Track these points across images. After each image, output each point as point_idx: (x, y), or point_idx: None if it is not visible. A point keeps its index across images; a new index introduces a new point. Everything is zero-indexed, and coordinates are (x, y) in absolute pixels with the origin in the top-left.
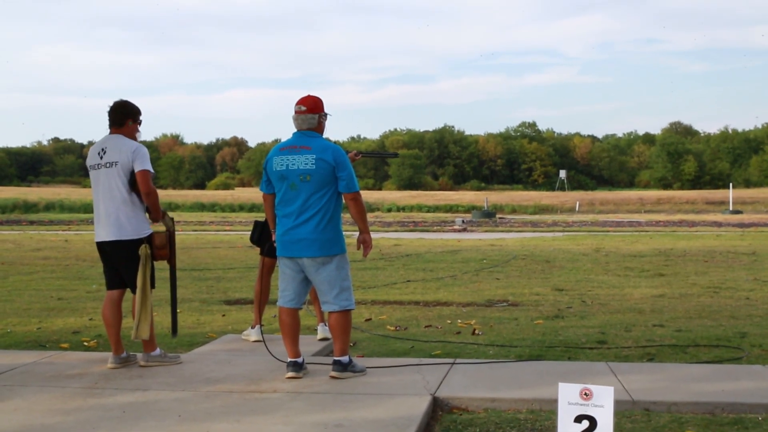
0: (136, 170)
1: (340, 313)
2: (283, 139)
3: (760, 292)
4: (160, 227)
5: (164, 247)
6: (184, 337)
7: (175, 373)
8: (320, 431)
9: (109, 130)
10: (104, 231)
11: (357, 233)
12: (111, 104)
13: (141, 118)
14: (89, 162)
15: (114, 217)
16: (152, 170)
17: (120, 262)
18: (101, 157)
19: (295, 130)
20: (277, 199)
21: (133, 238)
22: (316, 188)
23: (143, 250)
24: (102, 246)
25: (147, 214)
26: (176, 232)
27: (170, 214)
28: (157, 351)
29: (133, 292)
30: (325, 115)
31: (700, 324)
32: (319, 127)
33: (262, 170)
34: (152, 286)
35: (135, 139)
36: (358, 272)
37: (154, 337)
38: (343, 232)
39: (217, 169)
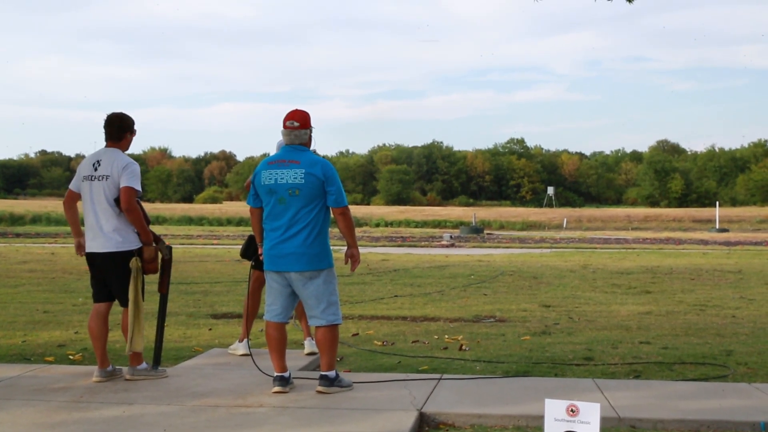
0: (121, 185)
1: (327, 327)
2: (272, 153)
3: (746, 310)
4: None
5: (153, 260)
6: (170, 350)
7: (161, 387)
8: None
9: (105, 143)
10: (95, 242)
11: (345, 248)
12: (108, 117)
13: (135, 128)
14: (83, 173)
15: (105, 229)
16: (139, 189)
17: (110, 274)
18: (95, 169)
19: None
20: (265, 213)
21: (124, 250)
22: (304, 203)
23: (134, 263)
24: (92, 257)
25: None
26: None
27: (159, 227)
28: (144, 365)
29: (122, 305)
30: (311, 128)
31: (686, 341)
32: (308, 142)
33: (250, 184)
34: (143, 299)
35: (127, 148)
36: (345, 287)
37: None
38: (331, 247)
39: (205, 183)
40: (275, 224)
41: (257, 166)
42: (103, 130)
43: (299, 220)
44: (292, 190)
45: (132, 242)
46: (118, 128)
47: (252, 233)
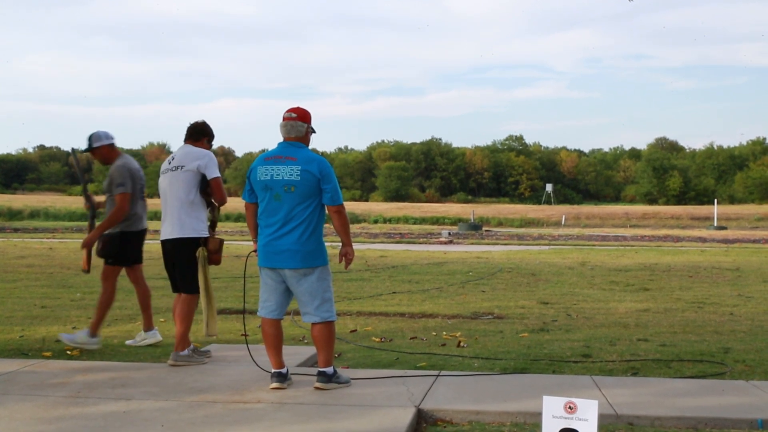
0: (209, 177)
1: (323, 324)
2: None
3: (744, 307)
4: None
5: (217, 252)
6: (169, 346)
7: (158, 382)
8: None
9: (183, 143)
10: (167, 230)
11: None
12: (193, 122)
13: (212, 144)
14: (161, 169)
15: (176, 216)
16: (220, 176)
17: (177, 259)
18: (170, 163)
19: (280, 139)
20: (260, 209)
21: (191, 236)
22: (300, 199)
23: (200, 252)
24: (164, 244)
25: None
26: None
27: (158, 222)
28: (186, 351)
29: (180, 290)
30: (312, 129)
31: (684, 339)
32: (305, 138)
33: (246, 179)
34: (198, 289)
35: None
36: (344, 283)
37: (187, 337)
38: (325, 244)
39: None
40: (270, 220)
41: (253, 162)
42: (185, 133)
43: (294, 217)
44: (287, 187)
45: (198, 231)
46: (200, 132)
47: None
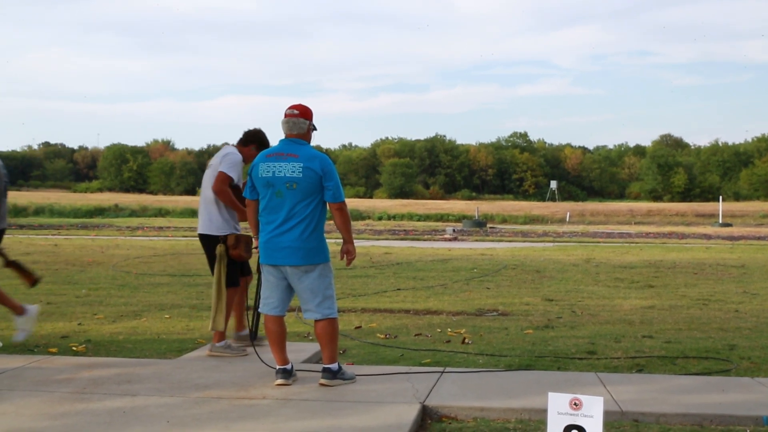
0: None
1: (326, 320)
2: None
3: (749, 304)
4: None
5: (234, 247)
6: (174, 342)
7: (164, 378)
8: None
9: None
10: (198, 225)
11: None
12: (249, 128)
13: (263, 151)
14: None
15: (203, 213)
16: (233, 175)
17: (205, 254)
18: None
19: (282, 137)
20: (261, 206)
21: (211, 234)
22: (302, 197)
23: (219, 248)
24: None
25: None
26: (170, 238)
27: (161, 219)
28: (223, 342)
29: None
30: (314, 126)
31: (689, 336)
32: (307, 135)
33: (247, 175)
34: (233, 284)
35: (249, 160)
36: (348, 280)
37: (224, 329)
38: (327, 241)
39: None
40: (271, 217)
41: (255, 158)
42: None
43: (296, 214)
44: (289, 184)
45: (218, 228)
46: (249, 137)
47: None
